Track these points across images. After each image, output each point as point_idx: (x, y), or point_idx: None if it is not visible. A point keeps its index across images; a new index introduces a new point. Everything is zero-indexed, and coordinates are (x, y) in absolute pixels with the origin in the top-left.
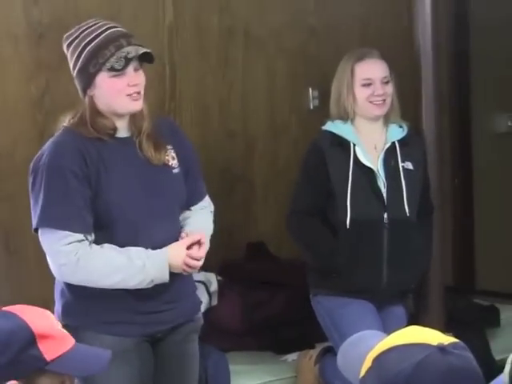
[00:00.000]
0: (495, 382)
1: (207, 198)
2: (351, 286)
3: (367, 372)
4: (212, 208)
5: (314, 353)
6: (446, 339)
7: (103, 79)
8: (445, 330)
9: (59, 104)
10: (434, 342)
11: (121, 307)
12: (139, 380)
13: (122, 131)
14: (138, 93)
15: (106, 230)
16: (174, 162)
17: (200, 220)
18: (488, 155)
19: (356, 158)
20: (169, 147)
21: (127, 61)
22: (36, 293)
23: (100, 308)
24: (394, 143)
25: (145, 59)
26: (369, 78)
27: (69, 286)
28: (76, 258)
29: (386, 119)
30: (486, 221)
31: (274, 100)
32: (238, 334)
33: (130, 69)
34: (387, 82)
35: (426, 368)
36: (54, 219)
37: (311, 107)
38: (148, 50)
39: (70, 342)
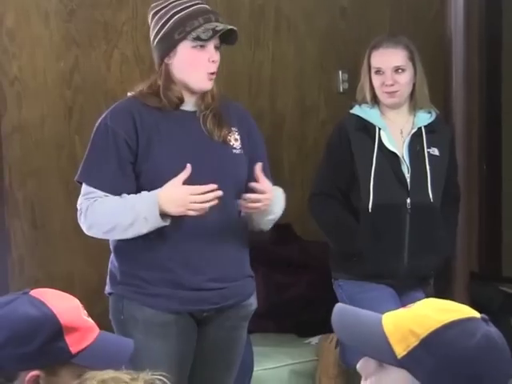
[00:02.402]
0: None
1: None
2: (372, 270)
3: (414, 350)
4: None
5: (335, 336)
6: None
7: (185, 48)
8: None
9: (88, 81)
10: (475, 315)
11: (162, 280)
12: (178, 356)
13: (189, 105)
14: (214, 73)
15: None
16: (236, 144)
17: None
18: None
19: (381, 143)
20: (234, 129)
21: (214, 33)
22: (62, 267)
23: (141, 280)
24: (420, 129)
25: (225, 41)
26: (379, 67)
27: (116, 256)
28: (86, 207)
29: (413, 105)
30: None
31: (304, 81)
32: (261, 316)
33: (212, 44)
34: (402, 71)
35: (493, 338)
36: (87, 175)
37: (341, 90)
38: (235, 28)
39: (94, 332)
